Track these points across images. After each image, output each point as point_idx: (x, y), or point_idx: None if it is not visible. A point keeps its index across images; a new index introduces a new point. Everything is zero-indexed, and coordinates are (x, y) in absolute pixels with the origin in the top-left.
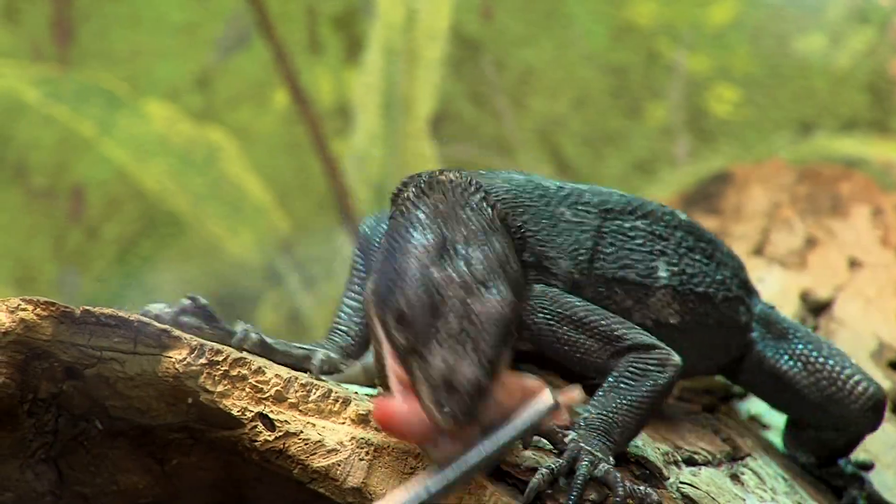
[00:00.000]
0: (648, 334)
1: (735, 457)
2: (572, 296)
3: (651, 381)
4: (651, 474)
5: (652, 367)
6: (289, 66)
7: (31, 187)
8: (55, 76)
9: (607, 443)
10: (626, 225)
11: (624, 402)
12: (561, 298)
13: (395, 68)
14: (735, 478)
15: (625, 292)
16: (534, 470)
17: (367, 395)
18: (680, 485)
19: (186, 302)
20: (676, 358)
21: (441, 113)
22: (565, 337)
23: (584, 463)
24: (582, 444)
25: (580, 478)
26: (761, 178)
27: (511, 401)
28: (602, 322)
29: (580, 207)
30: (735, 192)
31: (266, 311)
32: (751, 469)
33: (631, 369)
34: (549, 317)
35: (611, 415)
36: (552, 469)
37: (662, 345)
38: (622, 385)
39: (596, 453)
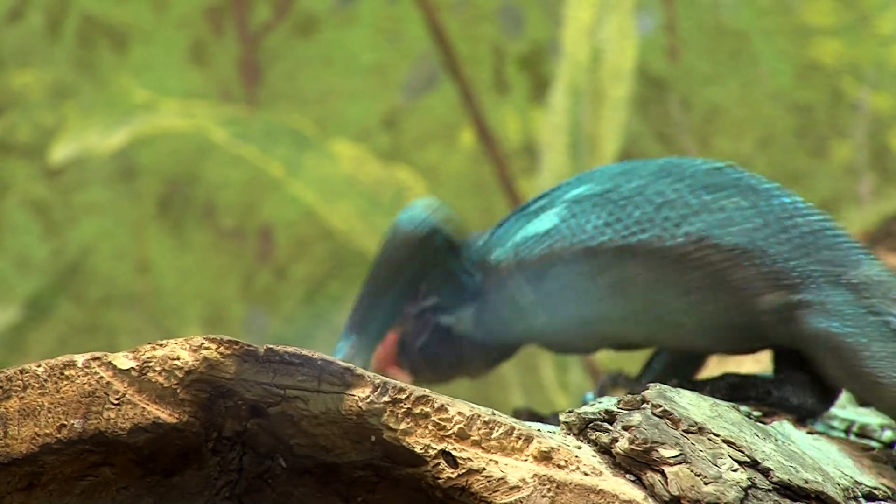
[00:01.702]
0: None
1: None
2: None
3: None
4: None
5: None
6: (475, 107)
7: (220, 227)
8: (243, 116)
9: None
10: None
11: None
12: None
13: (580, 108)
14: None
15: None
16: None
17: (550, 432)
18: None
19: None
20: None
21: (627, 152)
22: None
23: None
24: None
25: None
26: None
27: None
28: None
29: None
30: None
31: None
32: None
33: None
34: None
35: None
36: None
37: None
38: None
39: None
